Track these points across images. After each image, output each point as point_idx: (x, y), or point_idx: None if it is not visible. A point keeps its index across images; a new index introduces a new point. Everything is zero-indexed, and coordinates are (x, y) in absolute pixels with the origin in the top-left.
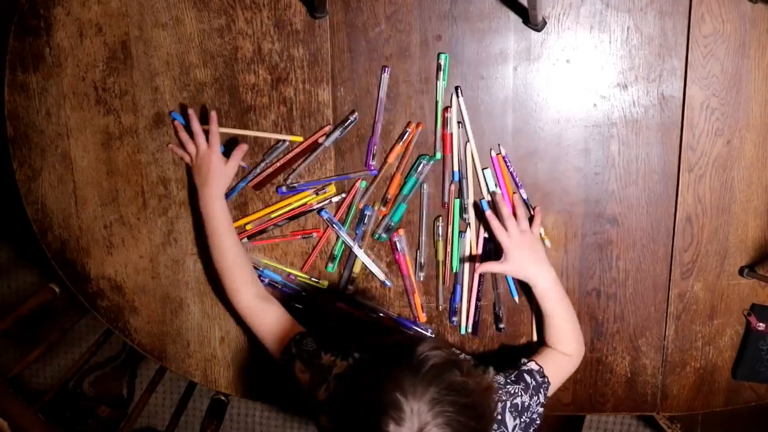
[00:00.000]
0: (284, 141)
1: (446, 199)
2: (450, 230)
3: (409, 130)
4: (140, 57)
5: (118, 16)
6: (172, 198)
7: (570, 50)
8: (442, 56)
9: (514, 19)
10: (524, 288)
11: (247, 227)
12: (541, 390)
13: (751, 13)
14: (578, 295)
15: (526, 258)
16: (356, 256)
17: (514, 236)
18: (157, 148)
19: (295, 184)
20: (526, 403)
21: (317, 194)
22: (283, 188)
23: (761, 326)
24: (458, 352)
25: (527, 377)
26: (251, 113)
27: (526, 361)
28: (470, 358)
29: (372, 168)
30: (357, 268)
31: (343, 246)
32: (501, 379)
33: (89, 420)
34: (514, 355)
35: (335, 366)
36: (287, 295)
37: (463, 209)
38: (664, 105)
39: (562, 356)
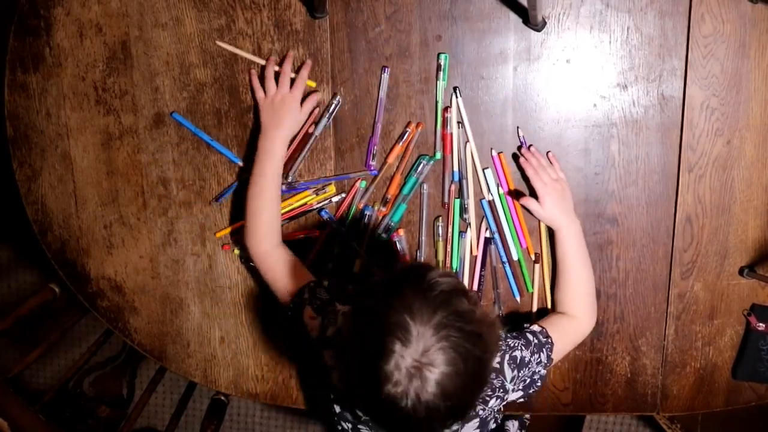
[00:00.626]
0: None
1: (446, 200)
2: (450, 230)
3: (409, 130)
4: (140, 57)
5: (118, 16)
6: (172, 198)
7: (570, 50)
8: (442, 56)
9: (514, 19)
10: (521, 293)
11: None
12: (544, 350)
13: (751, 13)
14: None
15: (558, 205)
16: (356, 255)
17: (548, 183)
18: (157, 148)
19: (296, 183)
20: (526, 359)
21: (317, 194)
22: (283, 186)
23: (761, 326)
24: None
25: (529, 335)
26: (251, 113)
27: (528, 324)
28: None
29: (372, 168)
30: (357, 268)
31: (343, 246)
32: (501, 333)
33: (89, 420)
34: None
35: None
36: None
37: (463, 209)
38: (664, 105)
39: (568, 319)
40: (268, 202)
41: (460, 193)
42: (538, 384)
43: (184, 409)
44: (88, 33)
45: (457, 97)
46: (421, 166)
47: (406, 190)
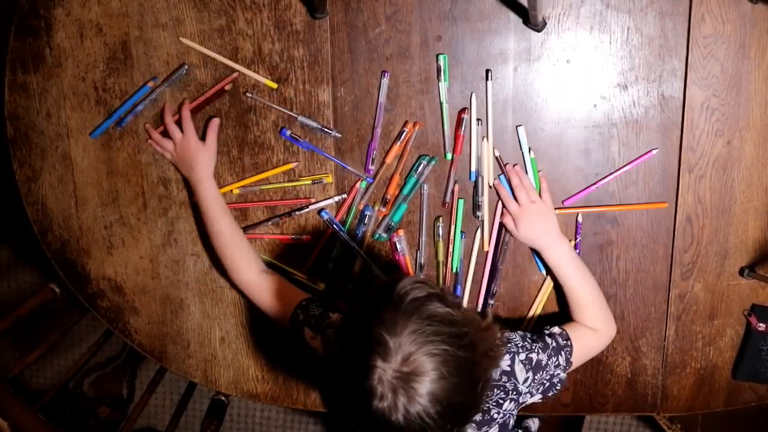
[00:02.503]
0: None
1: (448, 199)
2: (452, 230)
3: (407, 129)
4: (140, 57)
5: (119, 16)
6: (172, 198)
7: (570, 51)
8: (441, 57)
9: (514, 19)
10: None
11: (234, 192)
12: (562, 353)
13: (751, 14)
14: None
15: (536, 226)
16: (356, 256)
17: (524, 204)
18: None
19: (297, 137)
20: (543, 362)
21: (313, 179)
22: (288, 132)
23: (761, 326)
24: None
25: (548, 339)
26: (251, 113)
27: (549, 327)
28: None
29: (370, 172)
30: (357, 268)
31: (343, 246)
32: (518, 336)
33: (89, 420)
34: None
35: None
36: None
37: (476, 207)
38: (665, 105)
39: (587, 330)
40: (227, 237)
41: (475, 191)
42: (558, 387)
43: (184, 409)
44: (88, 33)
45: (488, 80)
46: (422, 166)
47: (406, 191)
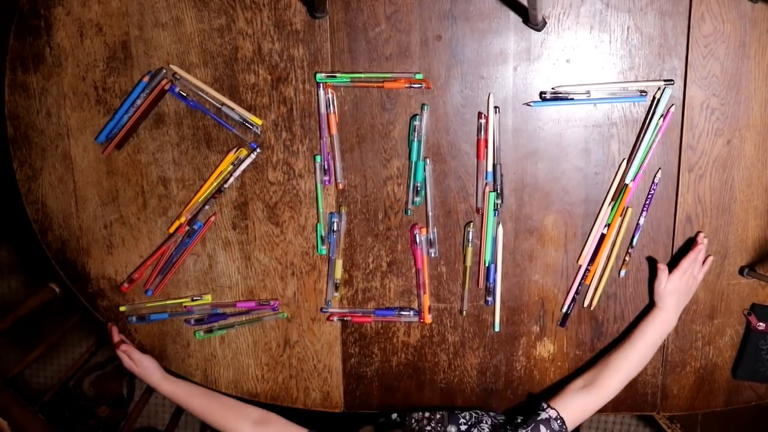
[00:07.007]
0: None
1: (480, 204)
2: (485, 221)
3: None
4: (140, 57)
5: (119, 16)
6: (172, 198)
7: (570, 50)
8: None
9: (514, 19)
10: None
11: (182, 220)
12: None
13: (751, 13)
14: None
15: (677, 293)
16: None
17: (688, 274)
18: (157, 148)
19: (186, 95)
20: None
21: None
22: (177, 89)
23: (761, 326)
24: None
25: (543, 428)
26: (251, 113)
27: (545, 406)
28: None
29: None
30: (338, 274)
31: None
32: None
33: (89, 420)
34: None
35: None
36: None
37: (498, 196)
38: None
39: (589, 396)
40: (209, 413)
41: (494, 181)
42: None
43: (184, 409)
44: (88, 33)
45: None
46: (416, 126)
47: (414, 157)
